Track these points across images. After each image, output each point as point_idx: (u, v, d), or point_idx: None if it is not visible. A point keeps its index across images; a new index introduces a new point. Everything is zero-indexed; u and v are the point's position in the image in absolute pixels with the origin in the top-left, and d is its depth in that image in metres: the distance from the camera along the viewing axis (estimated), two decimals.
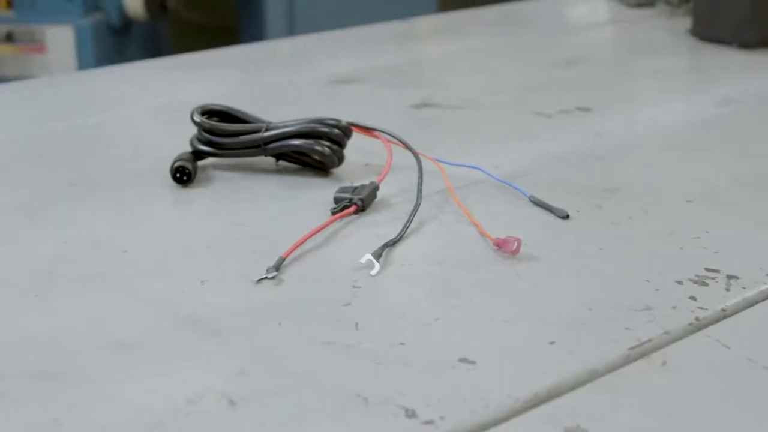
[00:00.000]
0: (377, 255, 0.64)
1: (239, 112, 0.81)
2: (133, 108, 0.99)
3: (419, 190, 0.73)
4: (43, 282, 0.62)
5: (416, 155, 0.77)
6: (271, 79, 1.10)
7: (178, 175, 0.77)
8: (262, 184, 0.78)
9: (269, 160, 0.81)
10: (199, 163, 0.80)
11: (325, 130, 0.78)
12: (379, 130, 0.79)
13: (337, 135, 0.78)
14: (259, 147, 0.79)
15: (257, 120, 0.81)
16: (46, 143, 0.89)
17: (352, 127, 0.80)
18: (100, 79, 1.14)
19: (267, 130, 0.79)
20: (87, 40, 2.17)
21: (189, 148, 0.80)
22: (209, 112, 0.81)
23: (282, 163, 0.81)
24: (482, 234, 0.68)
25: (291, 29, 2.37)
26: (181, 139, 0.85)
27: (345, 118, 0.79)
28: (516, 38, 1.29)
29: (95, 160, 0.84)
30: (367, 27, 1.33)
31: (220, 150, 0.80)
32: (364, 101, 1.00)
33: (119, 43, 2.27)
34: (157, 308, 0.59)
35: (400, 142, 0.78)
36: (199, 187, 0.77)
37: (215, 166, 0.81)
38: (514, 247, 0.65)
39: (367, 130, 0.80)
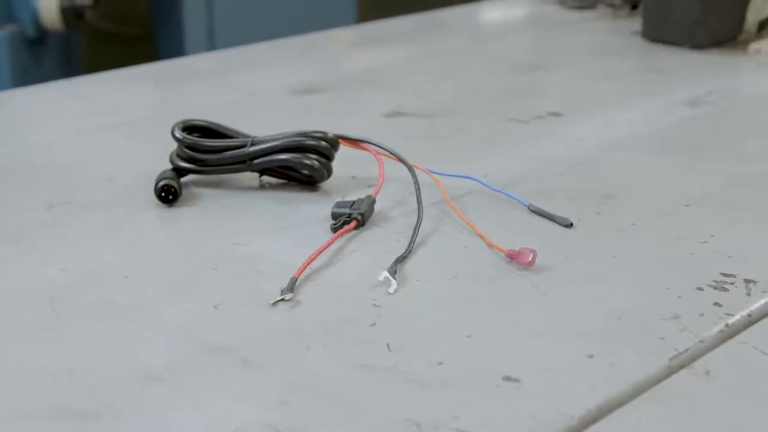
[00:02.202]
0: (392, 272, 0.63)
1: (221, 126, 0.79)
2: (89, 125, 0.95)
3: (419, 203, 0.71)
4: (48, 313, 0.59)
5: (410, 167, 0.75)
6: (226, 91, 1.07)
7: (163, 194, 0.74)
8: (250, 201, 0.75)
9: (251, 176, 0.79)
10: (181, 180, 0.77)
11: (313, 143, 0.76)
12: (368, 142, 0.78)
13: (324, 148, 0.76)
14: (245, 162, 0.76)
15: (240, 135, 0.78)
16: (6, 165, 0.85)
17: (340, 140, 0.78)
18: (42, 95, 1.09)
19: (252, 144, 0.76)
20: (1, 51, 2.11)
21: (162, 165, 0.78)
22: (190, 128, 0.78)
23: (265, 178, 0.79)
24: (490, 246, 0.67)
25: (210, 38, 2.34)
26: (151, 155, 0.83)
27: (318, 129, 0.77)
28: (468, 44, 1.28)
29: (68, 181, 0.80)
30: (304, 36, 1.30)
31: (204, 166, 0.77)
32: (334, 111, 0.98)
33: (35, 54, 2.21)
34: (176, 336, 0.57)
35: (392, 154, 0.76)
36: (186, 206, 0.75)
37: (196, 183, 0.78)
38: (530, 259, 0.64)
39: (355, 142, 0.78)
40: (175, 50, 2.33)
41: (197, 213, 0.74)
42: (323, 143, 0.76)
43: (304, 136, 0.76)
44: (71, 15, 2.16)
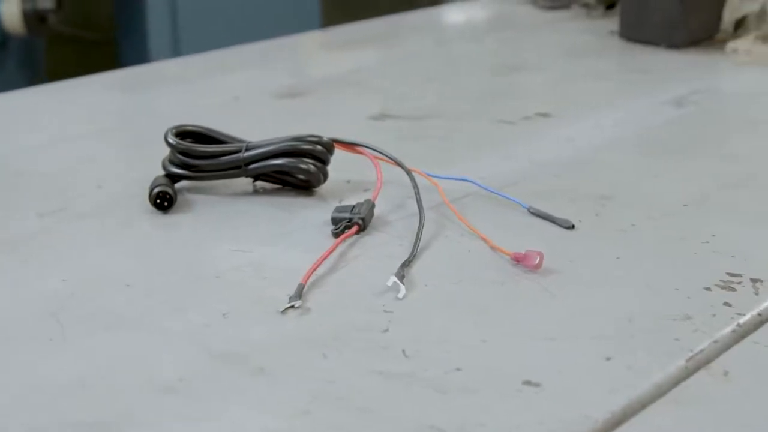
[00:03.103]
0: (400, 276, 0.62)
1: (214, 131, 0.78)
2: (67, 132, 0.93)
3: (420, 207, 0.71)
4: (53, 325, 0.58)
5: (408, 171, 0.75)
6: (208, 96, 1.05)
7: (158, 201, 0.73)
8: (246, 207, 0.75)
9: (243, 181, 0.78)
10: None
11: (308, 147, 0.76)
12: (364, 146, 0.77)
13: (320, 152, 0.76)
14: (240, 168, 0.76)
15: (233, 140, 0.78)
16: None
17: (335, 143, 0.77)
18: (12, 102, 1.06)
19: (247, 150, 0.75)
20: None
21: (150, 172, 0.76)
22: (183, 133, 0.77)
23: (259, 183, 0.78)
24: (494, 249, 0.67)
25: (175, 43, 2.32)
26: (138, 161, 0.83)
27: (303, 132, 0.76)
28: (444, 45, 1.28)
29: (56, 189, 0.78)
30: (276, 40, 1.29)
31: (197, 172, 0.76)
32: (320, 115, 0.97)
33: None
34: (187, 346, 0.56)
35: (389, 158, 0.76)
36: (180, 212, 0.74)
37: (188, 189, 0.77)
38: (536, 262, 0.64)
39: (350, 145, 0.78)
40: (139, 54, 2.31)
41: (193, 219, 0.73)
42: (319, 147, 0.76)
43: (299, 141, 0.76)
44: (34, 19, 2.13)
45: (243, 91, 1.06)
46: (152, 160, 0.78)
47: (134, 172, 0.80)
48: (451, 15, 1.51)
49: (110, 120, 0.99)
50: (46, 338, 0.57)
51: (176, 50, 2.30)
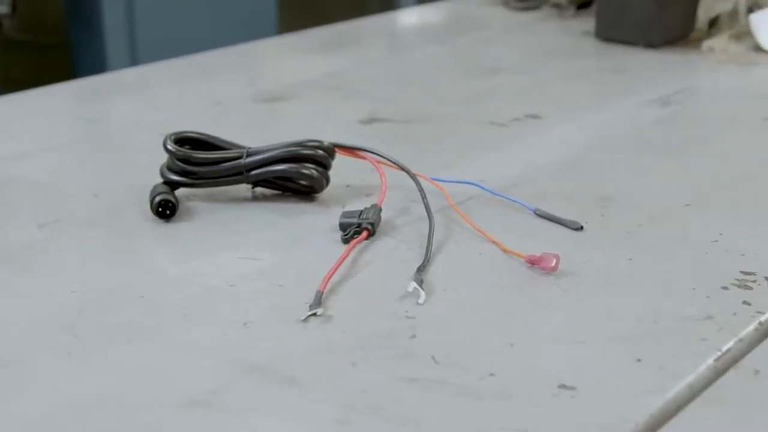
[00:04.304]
0: (419, 282, 0.62)
1: (213, 138, 0.77)
2: (51, 140, 0.91)
3: (428, 211, 0.71)
4: (70, 338, 0.57)
5: (413, 175, 0.74)
6: (189, 101, 1.04)
7: (161, 209, 0.72)
8: (248, 214, 0.74)
9: (242, 188, 0.77)
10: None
11: (309, 152, 0.75)
12: (366, 150, 0.76)
13: (321, 157, 0.75)
14: (241, 174, 0.75)
15: (233, 146, 0.77)
16: None
17: (336, 148, 0.76)
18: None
19: (248, 156, 0.74)
20: None
21: (145, 179, 0.75)
22: (182, 140, 0.76)
23: (259, 189, 0.77)
24: (506, 251, 0.67)
25: (131, 46, 2.29)
26: (132, 169, 0.82)
27: (295, 137, 0.75)
28: (421, 48, 1.28)
29: (51, 198, 0.77)
30: (242, 45, 1.27)
31: (197, 179, 0.75)
32: (307, 119, 0.96)
33: None
34: (212, 357, 0.55)
35: (392, 162, 0.75)
36: (183, 220, 0.72)
37: (187, 197, 0.76)
38: (553, 264, 0.64)
39: (351, 150, 0.77)
40: (95, 59, 2.28)
41: (197, 227, 0.72)
42: (320, 152, 0.75)
43: (299, 146, 0.75)
44: None
45: (223, 96, 1.05)
46: (140, 168, 0.78)
47: (126, 180, 0.79)
48: (424, 17, 1.51)
49: (86, 129, 0.97)
50: (65, 352, 0.55)
51: (132, 55, 2.28)
